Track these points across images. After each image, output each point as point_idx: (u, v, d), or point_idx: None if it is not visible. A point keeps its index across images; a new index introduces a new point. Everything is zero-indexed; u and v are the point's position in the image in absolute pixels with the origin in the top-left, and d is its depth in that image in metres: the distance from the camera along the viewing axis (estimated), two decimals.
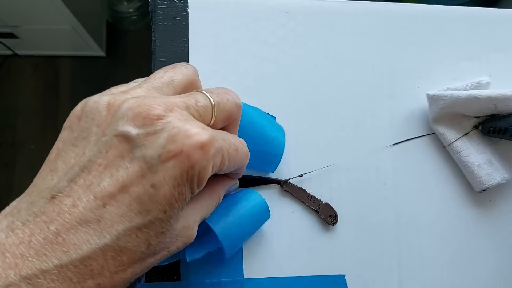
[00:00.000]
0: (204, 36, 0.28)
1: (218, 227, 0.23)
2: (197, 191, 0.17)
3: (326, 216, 0.28)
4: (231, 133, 0.21)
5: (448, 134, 0.29)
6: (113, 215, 0.15)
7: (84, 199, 0.15)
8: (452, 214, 0.30)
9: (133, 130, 0.16)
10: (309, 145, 0.29)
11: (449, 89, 0.29)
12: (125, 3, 1.11)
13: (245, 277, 0.27)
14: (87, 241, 0.15)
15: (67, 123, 0.18)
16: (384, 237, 0.29)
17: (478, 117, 0.29)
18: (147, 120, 0.16)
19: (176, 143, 0.16)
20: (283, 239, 0.28)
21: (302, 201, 0.28)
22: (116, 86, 0.20)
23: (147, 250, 0.16)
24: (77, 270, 0.15)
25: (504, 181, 0.28)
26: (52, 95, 1.19)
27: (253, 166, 0.27)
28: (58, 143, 0.18)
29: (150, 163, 0.16)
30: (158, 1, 0.28)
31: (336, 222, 0.28)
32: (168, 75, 0.19)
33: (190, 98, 0.18)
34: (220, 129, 0.20)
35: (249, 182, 0.27)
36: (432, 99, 0.29)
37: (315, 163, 0.28)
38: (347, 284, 0.28)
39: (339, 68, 0.30)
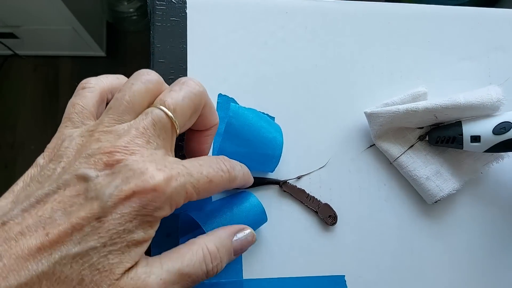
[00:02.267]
0: (203, 37, 0.28)
1: (209, 228, 0.23)
2: (149, 231, 0.18)
3: (326, 216, 0.28)
4: (209, 119, 0.22)
5: (393, 149, 0.28)
6: (51, 243, 0.16)
7: (32, 228, 0.16)
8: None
9: (91, 173, 0.17)
10: (308, 145, 0.29)
11: (387, 104, 0.28)
12: (125, 4, 1.11)
13: (244, 277, 0.27)
14: (26, 268, 0.16)
15: (40, 160, 0.19)
16: (384, 237, 0.29)
17: (421, 128, 0.29)
18: (107, 165, 0.17)
19: (129, 184, 0.17)
20: (282, 240, 0.27)
21: (302, 202, 0.28)
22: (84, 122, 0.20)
23: (82, 285, 0.16)
24: None
25: (454, 191, 0.28)
26: (52, 95, 1.19)
27: (252, 167, 0.27)
28: (26, 177, 0.19)
29: (103, 202, 0.17)
30: (157, 2, 0.28)
31: (335, 223, 0.28)
32: (126, 98, 0.19)
33: (147, 125, 0.19)
34: (198, 119, 0.21)
35: None
36: (370, 116, 0.28)
37: (314, 164, 0.28)
38: (347, 285, 0.28)
39: (338, 69, 0.30)
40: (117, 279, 0.17)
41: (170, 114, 0.19)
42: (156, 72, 0.27)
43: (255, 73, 0.29)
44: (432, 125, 0.28)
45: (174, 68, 0.28)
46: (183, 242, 0.23)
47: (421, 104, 0.27)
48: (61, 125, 0.21)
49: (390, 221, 0.29)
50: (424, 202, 0.29)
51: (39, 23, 1.00)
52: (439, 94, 0.30)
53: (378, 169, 0.29)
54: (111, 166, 0.17)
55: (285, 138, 0.27)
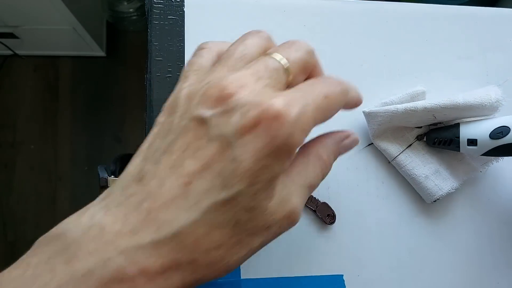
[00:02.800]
0: (200, 35, 0.28)
1: None
2: (288, 162, 0.17)
3: (324, 215, 0.28)
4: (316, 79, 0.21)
5: (391, 149, 0.28)
6: (198, 192, 0.16)
7: (170, 179, 0.16)
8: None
9: (206, 112, 0.16)
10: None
11: (385, 104, 0.28)
12: (125, 3, 1.12)
13: (242, 277, 0.27)
14: (176, 218, 0.16)
15: (159, 119, 0.19)
16: (383, 236, 0.29)
17: (420, 127, 0.28)
18: (220, 101, 0.16)
19: (250, 118, 0.16)
20: (280, 239, 0.27)
21: None
22: (194, 68, 0.20)
23: (238, 228, 0.16)
24: (170, 246, 0.15)
25: (453, 190, 0.28)
26: (52, 95, 1.19)
27: None
28: (150, 137, 0.19)
29: (228, 140, 0.16)
30: (154, 1, 0.28)
31: (334, 222, 0.28)
32: (239, 49, 0.19)
33: (258, 66, 0.18)
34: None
35: None
36: (369, 116, 0.28)
37: None
38: (345, 284, 0.28)
39: (337, 67, 0.30)
40: (267, 211, 0.17)
41: (282, 62, 0.18)
42: (153, 70, 0.27)
43: None
44: (430, 124, 0.28)
45: (172, 66, 0.28)
46: None
47: (420, 104, 0.26)
48: (178, 83, 0.20)
49: (388, 220, 0.29)
50: (423, 201, 0.29)
51: (39, 23, 1.00)
52: (437, 93, 0.30)
53: (377, 168, 0.29)
54: (223, 101, 0.16)
55: None
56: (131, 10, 1.12)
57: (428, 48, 0.31)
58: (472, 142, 0.26)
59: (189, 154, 0.16)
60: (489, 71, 0.31)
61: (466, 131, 0.26)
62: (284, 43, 0.20)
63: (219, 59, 0.19)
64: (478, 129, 0.26)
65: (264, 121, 0.16)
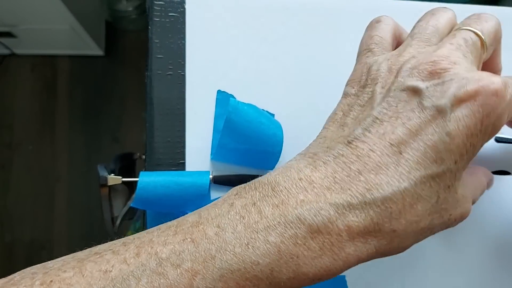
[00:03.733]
0: (202, 32, 0.28)
1: None
2: (481, 145, 0.17)
3: None
4: (496, 59, 0.21)
5: None
6: (409, 162, 0.16)
7: (380, 145, 0.16)
8: None
9: (421, 84, 0.17)
10: (308, 143, 0.28)
11: None
12: (124, 2, 1.11)
13: None
14: (388, 183, 0.16)
15: (350, 90, 0.19)
16: None
17: None
18: (434, 74, 0.17)
19: (467, 91, 0.16)
20: None
21: None
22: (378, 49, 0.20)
23: (436, 204, 0.17)
24: (378, 210, 0.15)
25: None
26: (50, 94, 1.18)
27: (252, 165, 0.27)
28: (343, 106, 0.19)
29: (443, 111, 0.16)
30: None
31: None
32: (431, 24, 0.20)
33: (459, 41, 0.18)
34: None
35: (248, 181, 0.26)
36: None
37: None
38: (348, 286, 0.27)
39: (339, 66, 0.30)
40: (455, 196, 0.18)
41: (479, 33, 0.19)
42: (154, 68, 0.27)
43: (255, 69, 0.28)
44: None
45: (173, 64, 0.27)
46: None
47: None
48: (361, 56, 0.21)
49: None
50: None
51: (37, 22, 1.00)
52: None
53: None
54: (438, 74, 0.17)
55: (285, 136, 0.26)
56: (130, 9, 1.12)
57: None
58: None
59: (401, 123, 0.16)
60: None
61: None
62: (470, 16, 0.20)
63: (412, 33, 0.20)
64: None
65: (482, 94, 0.16)
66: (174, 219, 0.25)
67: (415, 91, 0.17)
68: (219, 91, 0.28)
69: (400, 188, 0.16)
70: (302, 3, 0.30)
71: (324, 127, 0.20)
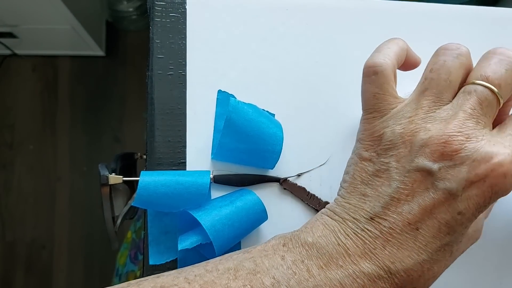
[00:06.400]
0: (202, 33, 0.28)
1: (206, 221, 0.23)
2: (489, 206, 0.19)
3: None
4: (510, 101, 0.21)
5: None
6: (426, 237, 0.18)
7: (399, 224, 0.18)
8: None
9: (433, 165, 0.18)
10: (308, 142, 0.28)
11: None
12: (125, 3, 1.11)
13: None
14: (409, 257, 0.18)
15: (364, 154, 0.21)
16: None
17: None
18: (446, 156, 0.18)
19: (478, 174, 0.17)
20: None
21: (302, 200, 0.27)
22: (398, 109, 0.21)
23: (450, 258, 0.19)
24: (401, 278, 0.18)
25: None
26: (51, 95, 1.19)
27: (252, 164, 0.27)
28: (360, 172, 0.20)
29: (455, 194, 0.18)
30: None
31: None
32: (443, 77, 0.19)
33: (473, 105, 0.18)
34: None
35: (248, 180, 0.27)
36: None
37: (315, 161, 0.28)
38: None
39: (339, 66, 0.30)
40: (468, 233, 0.20)
41: (495, 90, 0.18)
42: (155, 68, 0.27)
43: (255, 69, 0.29)
44: None
45: (174, 64, 0.28)
46: (183, 239, 0.23)
47: None
48: (367, 116, 0.21)
49: None
50: None
51: (38, 23, 1.00)
52: None
53: None
54: (449, 156, 0.18)
55: (285, 135, 0.26)
56: (130, 9, 1.12)
57: (430, 48, 0.31)
58: None
59: (416, 203, 0.18)
60: None
61: None
62: (489, 58, 0.19)
63: (423, 87, 0.20)
64: None
65: (491, 176, 0.17)
66: (175, 218, 0.26)
67: (429, 172, 0.18)
68: (219, 91, 0.28)
69: (419, 260, 0.18)
70: (302, 3, 0.30)
71: (346, 191, 0.21)
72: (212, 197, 0.26)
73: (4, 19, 0.97)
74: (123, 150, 1.19)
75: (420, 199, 0.18)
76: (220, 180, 0.26)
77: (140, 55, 1.21)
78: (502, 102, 0.19)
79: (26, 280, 1.10)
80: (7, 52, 1.13)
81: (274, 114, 0.28)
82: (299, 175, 0.28)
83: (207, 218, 0.23)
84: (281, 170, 0.28)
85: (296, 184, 0.28)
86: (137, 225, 0.59)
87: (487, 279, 0.29)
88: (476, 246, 0.29)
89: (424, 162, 0.18)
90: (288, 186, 0.27)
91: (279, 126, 0.26)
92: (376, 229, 0.19)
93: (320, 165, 0.28)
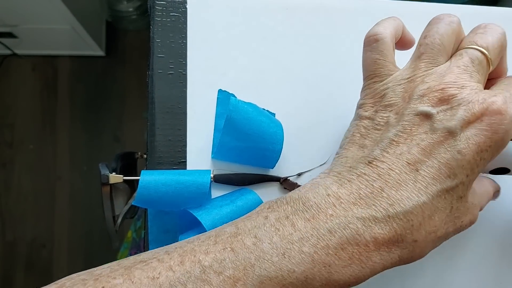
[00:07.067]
0: (203, 32, 0.28)
1: (206, 220, 0.23)
2: (496, 155, 0.19)
3: None
4: (503, 65, 0.22)
5: None
6: (426, 178, 0.17)
7: (398, 164, 0.18)
8: None
9: (432, 109, 0.18)
10: (308, 142, 0.28)
11: None
12: (125, 3, 1.11)
13: None
14: (408, 198, 0.17)
15: (364, 113, 0.21)
16: None
17: None
18: (443, 101, 0.18)
19: (474, 113, 0.18)
20: None
21: None
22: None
23: (450, 214, 0.18)
24: (401, 222, 0.17)
25: None
26: (51, 94, 1.19)
27: (252, 163, 0.27)
28: (359, 128, 0.21)
29: (453, 132, 0.18)
30: None
31: None
32: (437, 41, 0.20)
33: (466, 62, 0.19)
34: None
35: (248, 180, 0.27)
36: None
37: (315, 161, 0.28)
38: None
39: (338, 65, 0.30)
40: (467, 204, 0.19)
41: (484, 51, 0.20)
42: (155, 67, 0.27)
43: (255, 68, 0.29)
44: None
45: (174, 63, 0.28)
46: (183, 239, 0.23)
47: None
48: (368, 81, 0.22)
49: None
50: None
51: (37, 22, 1.00)
52: None
53: None
54: (446, 101, 0.18)
55: (286, 135, 0.26)
56: (130, 9, 1.12)
57: None
58: None
59: (416, 144, 0.18)
60: None
61: None
62: (476, 29, 0.21)
63: (419, 52, 0.21)
64: None
65: (487, 114, 0.18)
66: (175, 217, 0.26)
67: (427, 116, 0.18)
68: (220, 90, 0.28)
69: (419, 202, 0.17)
70: (302, 3, 0.30)
71: (343, 148, 0.21)
72: (213, 197, 0.26)
73: (4, 19, 0.97)
74: (123, 150, 1.19)
75: (419, 140, 0.18)
76: (220, 179, 0.26)
77: (140, 55, 1.21)
78: (491, 64, 0.20)
79: (26, 279, 1.10)
80: (7, 52, 1.13)
81: (275, 114, 0.28)
82: (299, 175, 0.28)
83: (207, 217, 0.23)
84: (281, 169, 0.28)
85: (297, 183, 0.28)
86: (138, 225, 0.59)
87: (487, 279, 0.29)
88: (476, 246, 0.29)
89: (423, 107, 0.19)
90: (289, 186, 0.27)
91: (279, 125, 0.26)
92: (374, 172, 0.18)
93: (320, 165, 0.28)
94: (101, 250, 1.11)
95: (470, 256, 0.29)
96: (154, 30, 0.27)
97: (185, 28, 0.28)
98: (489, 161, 0.19)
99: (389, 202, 0.17)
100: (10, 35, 1.04)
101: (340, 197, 0.18)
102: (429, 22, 0.22)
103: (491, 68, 0.20)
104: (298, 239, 0.17)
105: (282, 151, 0.26)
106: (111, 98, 1.19)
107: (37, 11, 0.93)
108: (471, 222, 0.21)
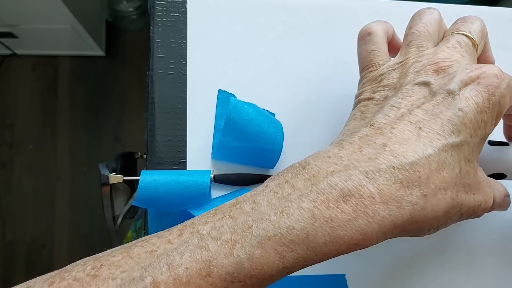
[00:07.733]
0: (203, 32, 0.28)
1: None
2: (494, 126, 0.19)
3: None
4: (488, 53, 0.23)
5: None
6: (430, 134, 0.17)
7: (401, 124, 0.18)
8: None
9: (430, 78, 0.19)
10: (309, 142, 0.28)
11: None
12: (125, 3, 1.11)
13: None
14: (413, 151, 0.17)
15: (363, 97, 0.21)
16: None
17: None
18: (439, 71, 0.19)
19: (471, 76, 0.18)
20: None
21: None
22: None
23: (459, 175, 0.18)
24: (407, 174, 0.16)
25: None
26: (51, 94, 1.19)
27: (252, 163, 0.27)
28: (360, 108, 0.21)
29: (453, 93, 0.18)
30: None
31: None
32: (422, 30, 0.21)
33: (454, 44, 0.20)
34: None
35: (248, 180, 0.27)
36: None
37: None
38: (348, 284, 0.27)
39: (339, 65, 0.30)
40: (477, 175, 0.19)
41: (469, 34, 0.21)
42: (155, 67, 0.27)
43: (256, 68, 0.29)
44: None
45: (174, 63, 0.28)
46: None
47: None
48: (364, 72, 0.23)
49: None
50: None
51: (38, 22, 1.00)
52: None
53: None
54: (442, 71, 0.19)
55: (286, 135, 0.26)
56: (130, 9, 1.12)
57: None
58: None
59: (416, 106, 0.18)
60: None
61: None
62: (457, 21, 0.22)
63: (407, 42, 0.22)
64: None
65: (484, 77, 0.18)
66: (175, 218, 0.26)
67: (425, 84, 0.19)
68: (220, 91, 0.28)
69: (425, 154, 0.17)
70: (302, 3, 0.30)
71: (345, 124, 0.21)
72: (213, 197, 0.26)
73: (4, 19, 0.97)
74: (123, 150, 1.19)
75: (419, 103, 0.18)
76: (220, 180, 0.26)
77: (140, 55, 1.21)
78: (477, 47, 0.21)
79: (26, 279, 1.10)
80: (7, 52, 1.13)
81: (275, 114, 0.28)
82: None
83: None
84: (281, 169, 0.27)
85: None
86: (138, 225, 0.59)
87: (487, 279, 0.29)
88: (476, 246, 0.29)
89: (422, 77, 0.19)
90: None
91: (279, 125, 0.26)
92: (377, 132, 0.18)
93: None
94: (101, 250, 1.10)
95: (470, 257, 0.29)
96: (154, 30, 0.27)
97: (185, 28, 0.28)
98: (489, 127, 0.19)
99: (393, 155, 0.17)
100: (10, 35, 1.04)
101: (341, 157, 0.17)
102: (412, 16, 0.23)
103: (478, 52, 0.21)
104: (297, 197, 0.16)
105: (282, 151, 0.26)
106: (111, 98, 1.19)
107: (37, 11, 0.94)
108: (485, 205, 0.20)
